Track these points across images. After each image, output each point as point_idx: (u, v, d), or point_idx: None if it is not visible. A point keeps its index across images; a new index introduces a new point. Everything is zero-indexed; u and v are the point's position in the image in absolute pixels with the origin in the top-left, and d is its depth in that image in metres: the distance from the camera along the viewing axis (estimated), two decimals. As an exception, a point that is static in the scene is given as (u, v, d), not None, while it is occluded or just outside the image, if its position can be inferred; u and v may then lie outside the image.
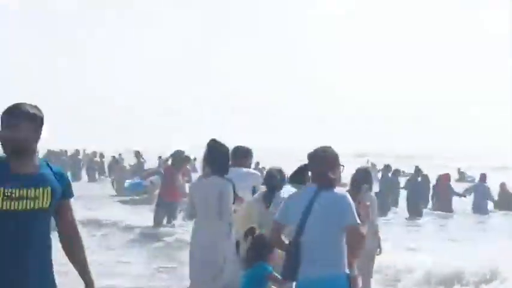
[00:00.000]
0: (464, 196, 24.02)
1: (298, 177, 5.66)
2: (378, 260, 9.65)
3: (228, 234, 7.39)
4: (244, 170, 8.28)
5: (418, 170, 23.15)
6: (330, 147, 5.55)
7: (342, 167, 5.49)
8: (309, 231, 5.28)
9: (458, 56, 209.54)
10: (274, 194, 7.41)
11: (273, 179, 7.48)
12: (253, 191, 8.01)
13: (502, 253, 12.47)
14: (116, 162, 33.78)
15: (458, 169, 42.71)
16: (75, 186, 4.60)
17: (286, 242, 5.49)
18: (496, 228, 20.01)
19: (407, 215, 21.73)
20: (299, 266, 5.31)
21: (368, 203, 5.91)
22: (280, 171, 7.58)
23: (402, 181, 24.00)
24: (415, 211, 21.67)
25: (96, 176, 36.90)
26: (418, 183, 22.73)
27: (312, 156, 5.51)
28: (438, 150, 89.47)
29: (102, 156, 39.34)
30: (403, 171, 27.52)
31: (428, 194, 23.57)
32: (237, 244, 7.03)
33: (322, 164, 5.42)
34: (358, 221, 5.26)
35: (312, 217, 5.28)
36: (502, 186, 24.91)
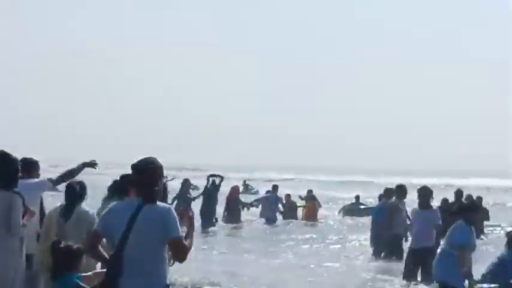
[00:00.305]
0: (255, 206, 24.87)
1: (119, 187, 5.75)
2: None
3: (20, 249, 7.04)
4: (31, 180, 7.96)
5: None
6: (155, 158, 5.44)
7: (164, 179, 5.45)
8: (131, 245, 5.23)
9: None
10: (74, 206, 7.30)
11: (73, 192, 7.39)
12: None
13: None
14: None
15: (244, 181, 44.26)
16: None
17: (105, 254, 5.41)
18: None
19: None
20: (119, 279, 5.25)
21: (191, 214, 5.85)
22: (80, 183, 7.50)
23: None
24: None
25: None
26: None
27: (137, 167, 5.37)
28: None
29: None
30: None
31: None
32: (28, 258, 6.94)
33: (149, 176, 5.33)
34: (181, 234, 5.30)
35: (134, 231, 5.23)
36: (287, 197, 26.01)
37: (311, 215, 25.72)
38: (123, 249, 5.24)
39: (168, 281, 5.37)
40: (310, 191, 27.32)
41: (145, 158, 5.41)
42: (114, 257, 5.26)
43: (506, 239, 10.07)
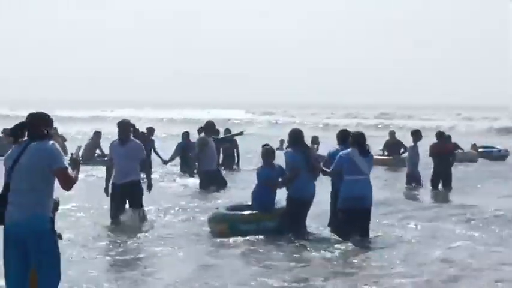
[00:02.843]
0: None
1: (16, 131, 6.22)
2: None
3: None
4: None
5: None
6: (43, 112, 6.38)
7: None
8: (16, 177, 6.04)
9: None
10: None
11: None
12: None
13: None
14: None
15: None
16: None
17: None
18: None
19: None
20: (4, 209, 6.04)
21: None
22: None
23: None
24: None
25: None
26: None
27: (31, 116, 6.30)
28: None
29: None
30: None
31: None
32: None
33: (39, 122, 6.23)
34: (66, 165, 6.05)
35: (20, 164, 6.05)
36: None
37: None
38: (8, 182, 6.06)
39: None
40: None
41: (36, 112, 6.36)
42: (3, 189, 6.06)
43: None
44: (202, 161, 16.20)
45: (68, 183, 6.05)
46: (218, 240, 10.65)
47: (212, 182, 16.21)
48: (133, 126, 12.49)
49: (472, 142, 27.64)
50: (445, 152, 17.59)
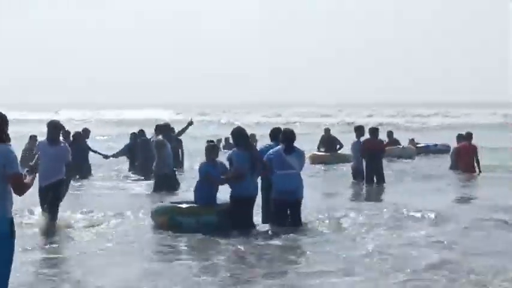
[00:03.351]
0: None
1: None
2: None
3: None
4: None
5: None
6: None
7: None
8: None
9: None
10: None
11: None
12: None
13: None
14: None
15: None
16: None
17: None
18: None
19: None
20: None
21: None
22: None
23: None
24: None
25: None
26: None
27: None
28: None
29: None
30: None
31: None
32: None
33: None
34: (21, 171, 6.17)
35: None
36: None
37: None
38: None
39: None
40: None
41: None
42: None
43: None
44: (158, 163, 16.09)
45: (21, 189, 6.18)
46: (158, 245, 10.57)
47: (166, 184, 16.08)
48: (63, 127, 12.59)
49: (410, 138, 28.33)
50: (377, 148, 17.98)
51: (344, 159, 22.49)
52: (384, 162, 18.79)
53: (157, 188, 16.03)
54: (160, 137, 16.09)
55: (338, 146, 23.93)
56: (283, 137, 11.58)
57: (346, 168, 20.17)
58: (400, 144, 26.57)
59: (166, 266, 9.25)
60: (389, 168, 20.49)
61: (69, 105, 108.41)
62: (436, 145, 27.87)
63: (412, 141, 27.59)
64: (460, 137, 20.60)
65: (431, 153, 26.93)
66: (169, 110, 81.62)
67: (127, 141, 21.61)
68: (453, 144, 21.66)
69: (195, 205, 11.50)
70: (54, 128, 11.78)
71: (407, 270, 8.71)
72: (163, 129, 16.33)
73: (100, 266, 9.22)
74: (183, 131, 19.90)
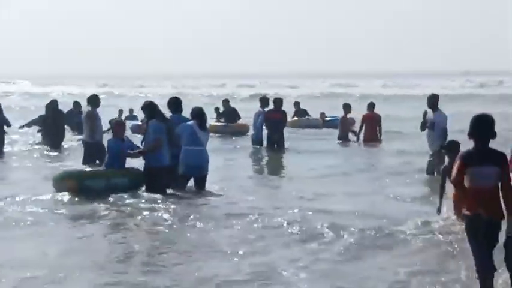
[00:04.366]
0: None
1: None
2: None
3: None
4: None
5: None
6: None
7: None
8: None
9: None
10: None
11: None
12: None
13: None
14: None
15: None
16: None
17: None
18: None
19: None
20: None
21: None
22: None
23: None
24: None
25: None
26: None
27: None
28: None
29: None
30: None
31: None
32: None
33: None
34: None
35: None
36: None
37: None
38: None
39: None
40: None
41: None
42: None
43: None
44: (86, 134, 15.30)
45: None
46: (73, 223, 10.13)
47: (95, 155, 14.91)
48: None
49: (321, 111, 29.02)
50: (275, 117, 18.63)
51: (244, 129, 23.37)
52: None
53: (86, 160, 14.96)
54: (89, 108, 15.59)
55: (237, 118, 24.41)
56: (194, 113, 12.13)
57: (247, 138, 21.15)
58: (309, 115, 27.61)
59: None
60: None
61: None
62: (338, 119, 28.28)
63: (322, 114, 28.26)
64: (369, 106, 20.86)
65: (335, 126, 27.21)
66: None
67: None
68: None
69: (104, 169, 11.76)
70: None
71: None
72: (92, 100, 15.57)
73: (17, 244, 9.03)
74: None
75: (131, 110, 29.17)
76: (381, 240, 8.88)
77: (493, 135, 6.55)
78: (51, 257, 8.31)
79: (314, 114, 28.31)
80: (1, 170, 16.09)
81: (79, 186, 11.46)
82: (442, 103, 14.20)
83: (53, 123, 19.36)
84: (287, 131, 19.92)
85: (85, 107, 15.76)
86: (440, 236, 8.90)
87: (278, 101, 18.86)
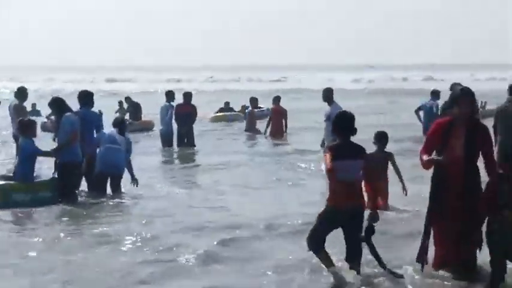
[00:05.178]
0: None
1: None
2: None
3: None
4: None
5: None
6: None
7: None
8: None
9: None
10: None
11: None
12: None
13: None
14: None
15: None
16: None
17: None
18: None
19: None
20: None
21: None
22: None
23: None
24: None
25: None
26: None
27: None
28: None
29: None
30: None
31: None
32: None
33: None
34: None
35: None
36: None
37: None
38: None
39: None
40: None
41: None
42: None
43: None
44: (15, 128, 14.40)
45: None
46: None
47: None
48: None
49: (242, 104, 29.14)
50: (185, 110, 18.52)
51: (149, 126, 23.56)
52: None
53: None
54: (16, 101, 15.22)
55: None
56: (115, 122, 12.32)
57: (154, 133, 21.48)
58: (234, 111, 28.48)
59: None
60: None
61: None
62: (262, 110, 28.12)
63: (243, 107, 28.52)
64: (274, 100, 21.28)
65: (264, 116, 26.40)
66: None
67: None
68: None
69: (31, 182, 11.16)
70: None
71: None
72: (20, 93, 15.23)
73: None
74: None
75: (34, 105, 27.50)
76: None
77: (353, 131, 6.94)
78: None
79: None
80: None
81: (4, 200, 10.97)
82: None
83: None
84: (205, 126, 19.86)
85: (13, 100, 15.34)
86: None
87: (188, 95, 18.94)
